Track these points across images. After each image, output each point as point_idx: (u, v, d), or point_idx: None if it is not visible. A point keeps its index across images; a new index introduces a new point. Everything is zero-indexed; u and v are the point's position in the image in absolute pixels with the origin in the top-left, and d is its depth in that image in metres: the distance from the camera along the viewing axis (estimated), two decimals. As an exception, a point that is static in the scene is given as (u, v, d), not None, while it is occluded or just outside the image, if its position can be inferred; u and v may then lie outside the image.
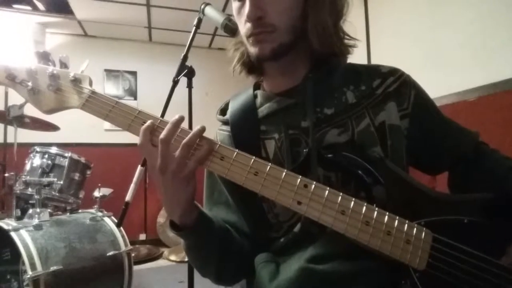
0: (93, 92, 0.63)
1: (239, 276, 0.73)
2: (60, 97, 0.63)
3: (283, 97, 0.68)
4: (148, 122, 0.57)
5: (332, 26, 0.63)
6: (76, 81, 0.63)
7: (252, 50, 0.64)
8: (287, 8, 0.61)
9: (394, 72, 0.69)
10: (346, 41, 0.68)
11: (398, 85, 0.67)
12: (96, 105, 0.62)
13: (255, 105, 0.71)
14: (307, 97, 0.64)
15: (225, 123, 0.74)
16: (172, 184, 0.55)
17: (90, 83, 0.64)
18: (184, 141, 0.54)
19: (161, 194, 0.58)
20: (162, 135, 0.54)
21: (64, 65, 0.65)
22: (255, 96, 0.73)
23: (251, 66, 0.70)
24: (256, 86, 0.77)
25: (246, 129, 0.70)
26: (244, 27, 0.64)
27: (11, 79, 0.63)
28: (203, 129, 0.56)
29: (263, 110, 0.69)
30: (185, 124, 0.58)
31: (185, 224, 0.60)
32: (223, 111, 0.77)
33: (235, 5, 0.66)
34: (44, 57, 0.64)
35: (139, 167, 1.16)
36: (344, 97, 0.66)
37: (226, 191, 0.73)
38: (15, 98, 0.65)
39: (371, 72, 0.69)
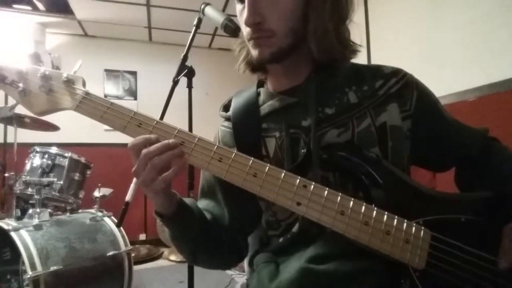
0: (87, 93, 0.61)
1: (213, 260, 0.75)
2: (52, 98, 0.62)
3: (285, 95, 0.68)
4: (153, 136, 0.56)
5: (333, 30, 0.62)
6: (69, 82, 0.62)
7: (253, 53, 0.64)
8: (287, 12, 0.61)
9: (397, 73, 0.68)
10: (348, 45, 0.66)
11: (400, 86, 0.66)
12: (90, 106, 0.60)
13: (258, 102, 0.71)
14: (309, 96, 0.64)
15: (227, 119, 0.74)
16: (145, 190, 0.57)
17: (84, 84, 0.63)
18: (152, 163, 0.54)
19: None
20: (146, 150, 0.54)
21: (56, 66, 0.64)
22: (258, 94, 0.73)
23: (255, 65, 0.70)
24: (260, 84, 0.77)
25: (247, 126, 0.69)
26: (244, 30, 0.65)
27: (1, 80, 0.61)
28: (177, 154, 0.56)
29: (265, 108, 0.69)
30: (184, 124, 0.58)
31: (165, 214, 0.62)
32: (226, 108, 0.77)
33: (238, 7, 0.66)
34: (36, 58, 0.63)
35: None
36: (346, 97, 0.66)
37: (219, 190, 0.74)
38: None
39: (374, 72, 0.68)
